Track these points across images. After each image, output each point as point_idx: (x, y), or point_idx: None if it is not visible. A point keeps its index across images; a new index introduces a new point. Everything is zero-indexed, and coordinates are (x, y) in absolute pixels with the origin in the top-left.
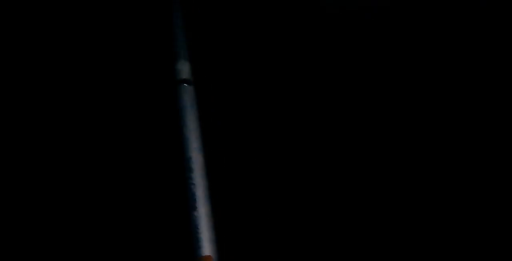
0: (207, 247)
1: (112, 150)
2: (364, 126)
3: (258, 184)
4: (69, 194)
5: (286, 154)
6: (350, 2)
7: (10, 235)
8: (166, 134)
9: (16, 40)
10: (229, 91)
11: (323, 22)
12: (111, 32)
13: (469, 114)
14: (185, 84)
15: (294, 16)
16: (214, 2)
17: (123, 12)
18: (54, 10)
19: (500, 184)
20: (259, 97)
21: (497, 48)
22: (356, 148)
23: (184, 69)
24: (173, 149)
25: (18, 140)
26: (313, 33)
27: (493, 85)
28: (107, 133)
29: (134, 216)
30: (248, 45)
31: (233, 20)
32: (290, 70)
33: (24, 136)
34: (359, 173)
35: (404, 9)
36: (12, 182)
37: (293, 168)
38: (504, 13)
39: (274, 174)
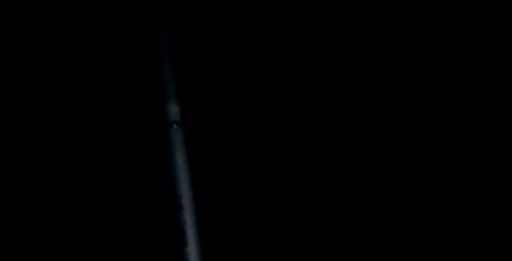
0: None
1: (104, 190)
2: (364, 126)
3: (248, 222)
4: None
5: (275, 188)
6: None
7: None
8: (157, 173)
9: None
10: (217, 131)
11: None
12: (99, 71)
13: (468, 114)
14: (175, 126)
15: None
16: (203, 42)
17: (112, 51)
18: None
19: (499, 184)
20: (247, 137)
21: (497, 48)
22: (351, 146)
23: (174, 111)
24: (163, 187)
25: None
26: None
27: (493, 85)
28: (98, 172)
29: (127, 256)
30: (237, 83)
31: (221, 59)
32: (284, 106)
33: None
34: (353, 171)
35: (403, 9)
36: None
37: (281, 197)
38: (504, 13)
39: (263, 211)
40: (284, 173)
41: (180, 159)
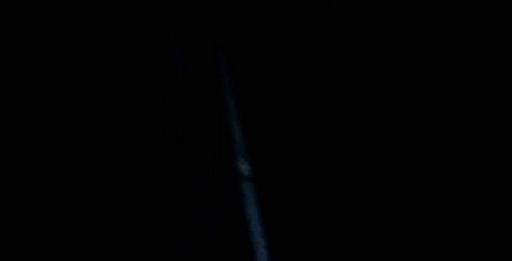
0: None
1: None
2: (365, 126)
3: None
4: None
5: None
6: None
7: None
8: (232, 222)
9: None
10: (288, 186)
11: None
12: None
13: (469, 114)
14: (248, 182)
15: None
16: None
17: (187, 115)
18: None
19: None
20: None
21: (498, 48)
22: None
23: (246, 168)
24: (238, 238)
25: None
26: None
27: (493, 84)
28: (172, 223)
29: None
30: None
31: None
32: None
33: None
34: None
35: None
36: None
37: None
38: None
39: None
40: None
41: (253, 212)
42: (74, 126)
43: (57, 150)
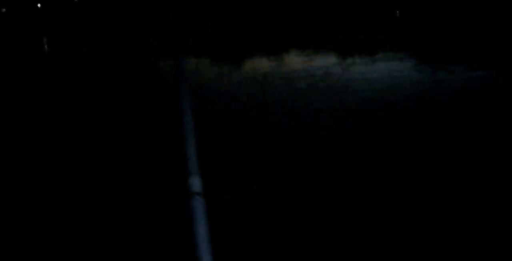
0: None
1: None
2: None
3: None
4: None
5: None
6: None
7: None
8: (179, 239)
9: None
10: (235, 202)
11: None
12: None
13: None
14: (197, 196)
15: None
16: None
17: (141, 130)
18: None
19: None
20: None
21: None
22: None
23: (196, 183)
24: (185, 252)
25: None
26: None
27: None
28: (124, 238)
29: None
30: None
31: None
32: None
33: None
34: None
35: None
36: None
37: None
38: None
39: None
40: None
41: (202, 226)
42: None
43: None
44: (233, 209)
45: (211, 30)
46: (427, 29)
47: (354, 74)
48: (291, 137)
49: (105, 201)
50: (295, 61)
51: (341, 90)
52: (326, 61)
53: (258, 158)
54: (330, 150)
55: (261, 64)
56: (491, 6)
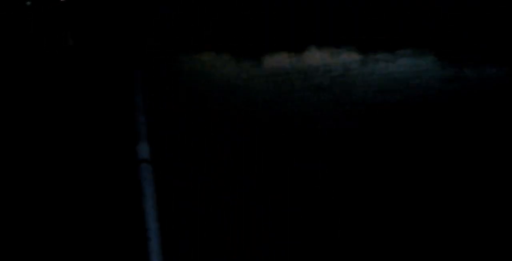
0: None
1: (77, 223)
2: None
3: (211, 253)
4: None
5: (237, 221)
6: None
7: None
8: (127, 206)
9: None
10: (184, 168)
11: None
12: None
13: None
14: (144, 163)
15: None
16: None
17: (89, 97)
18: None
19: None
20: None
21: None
22: None
23: (144, 150)
24: (133, 220)
25: None
26: None
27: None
28: (74, 206)
29: None
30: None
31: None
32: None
33: None
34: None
35: None
36: None
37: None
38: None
39: (227, 242)
40: (244, 206)
41: (149, 193)
42: None
43: None
44: (184, 178)
45: (231, 26)
46: (451, 26)
47: (375, 70)
48: (307, 132)
49: (46, 167)
50: (315, 57)
51: (361, 85)
52: (346, 57)
53: (263, 156)
54: (348, 145)
55: (281, 59)
56: None
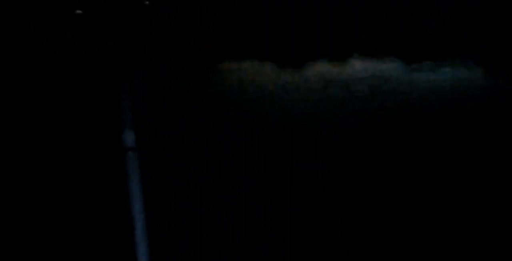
0: None
1: (63, 211)
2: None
3: (196, 243)
4: None
5: (222, 211)
6: None
7: None
8: (113, 195)
9: None
10: (169, 157)
11: None
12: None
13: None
14: (130, 152)
15: None
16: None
17: (76, 87)
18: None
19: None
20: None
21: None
22: None
23: (130, 138)
24: (119, 208)
25: None
26: None
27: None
28: (60, 196)
29: None
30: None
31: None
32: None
33: None
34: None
35: None
36: None
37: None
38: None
39: (211, 230)
40: (228, 195)
41: (135, 180)
42: None
43: None
44: (170, 168)
45: (275, 35)
46: (497, 38)
47: (418, 79)
48: (346, 140)
49: (32, 155)
50: (358, 65)
51: (402, 94)
52: (389, 66)
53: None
54: (388, 151)
55: (323, 68)
56: None
